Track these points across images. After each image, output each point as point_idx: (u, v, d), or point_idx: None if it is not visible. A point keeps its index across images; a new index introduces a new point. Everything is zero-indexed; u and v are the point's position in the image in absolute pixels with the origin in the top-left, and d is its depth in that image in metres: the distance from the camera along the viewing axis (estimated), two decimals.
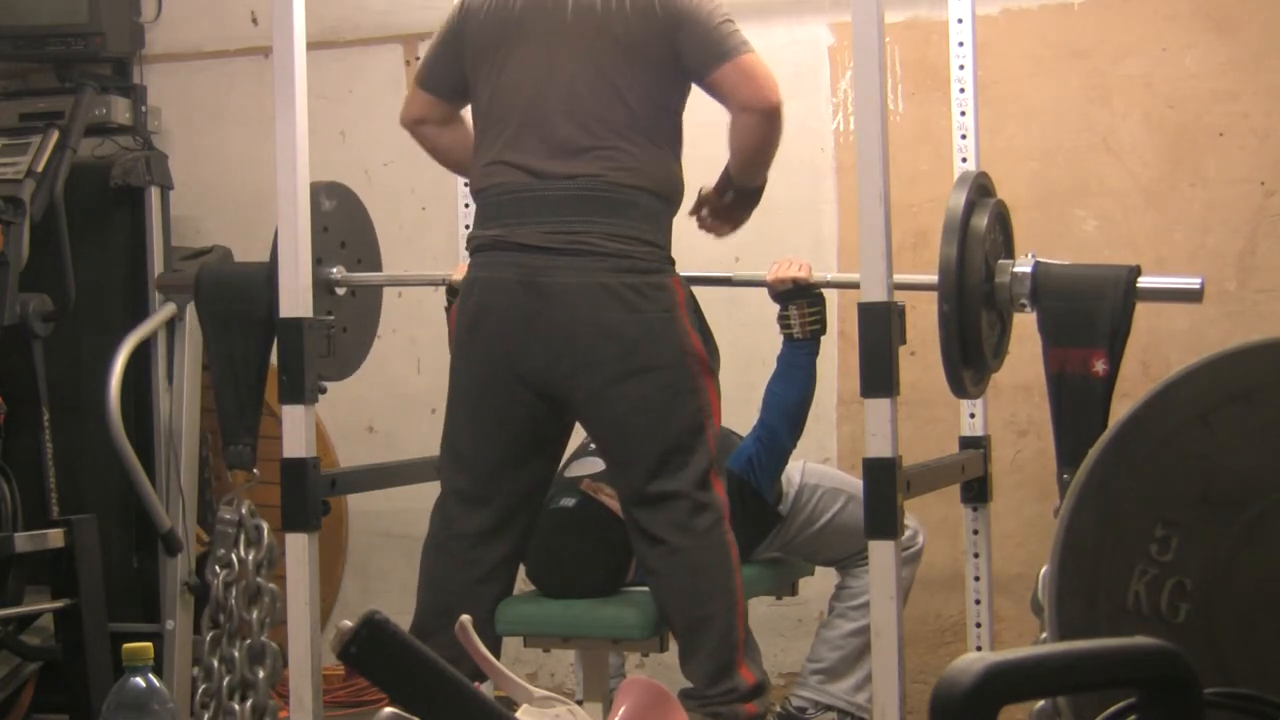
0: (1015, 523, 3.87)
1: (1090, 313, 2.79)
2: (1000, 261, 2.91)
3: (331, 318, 3.29)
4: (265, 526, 3.31)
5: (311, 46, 3.11)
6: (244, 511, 3.29)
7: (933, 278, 2.84)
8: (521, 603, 3.09)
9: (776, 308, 3.18)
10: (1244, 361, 1.79)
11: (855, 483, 3.17)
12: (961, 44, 3.44)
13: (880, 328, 2.69)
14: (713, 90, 2.92)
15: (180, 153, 4.54)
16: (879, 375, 2.70)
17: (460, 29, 3.05)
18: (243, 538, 3.29)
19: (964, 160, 3.42)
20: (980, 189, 2.95)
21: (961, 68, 3.44)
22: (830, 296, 4.03)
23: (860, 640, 3.30)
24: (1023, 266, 2.88)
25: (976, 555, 3.45)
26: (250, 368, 3.23)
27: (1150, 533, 1.75)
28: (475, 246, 3.00)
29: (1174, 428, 1.78)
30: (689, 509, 2.89)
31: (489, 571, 3.01)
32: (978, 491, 3.46)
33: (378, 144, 4.55)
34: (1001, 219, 2.97)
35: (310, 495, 3.04)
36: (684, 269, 3.05)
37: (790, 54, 4.16)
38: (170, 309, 4.16)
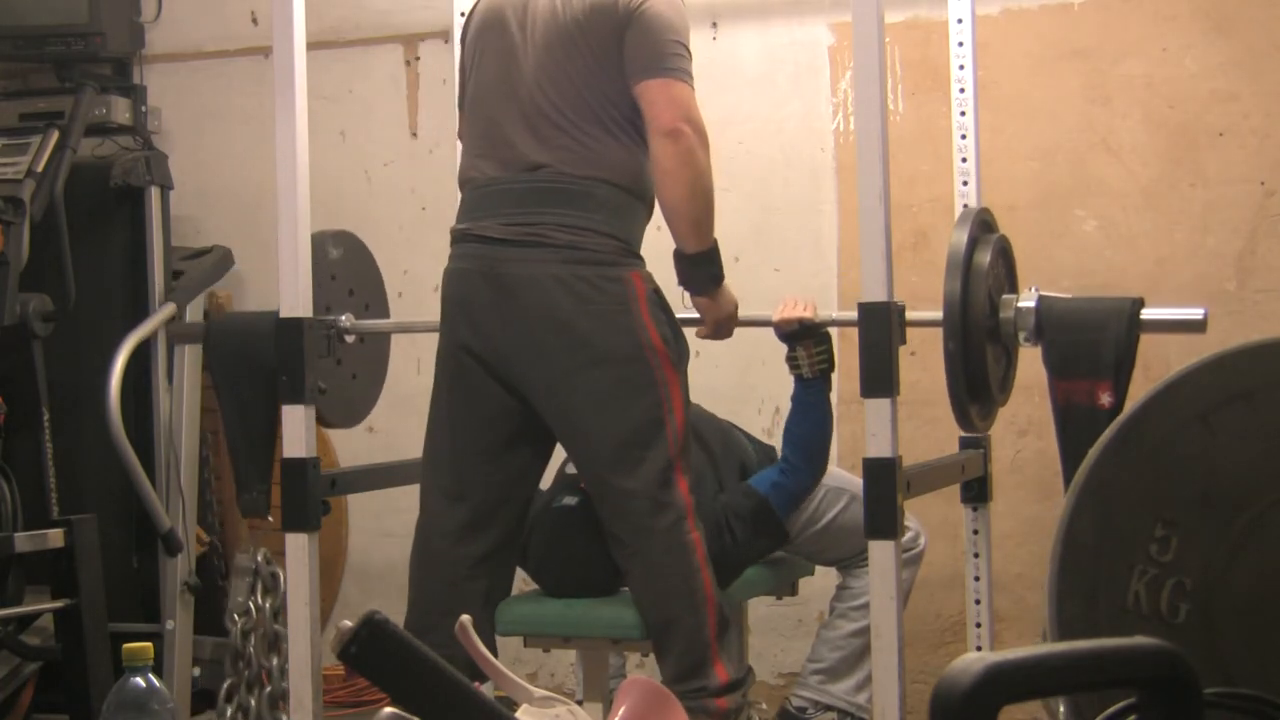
0: (1015, 523, 3.87)
1: (1094, 345, 2.80)
2: (1004, 297, 2.92)
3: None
4: (281, 574, 3.31)
5: (311, 46, 3.11)
6: (260, 559, 3.30)
7: (938, 314, 2.86)
8: (521, 603, 3.09)
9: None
10: (1244, 361, 1.80)
11: (858, 482, 3.17)
12: (961, 44, 3.44)
13: (880, 328, 2.69)
14: (638, 102, 2.91)
15: (180, 153, 4.54)
16: (879, 375, 2.70)
17: (461, 45, 3.15)
18: (260, 585, 3.30)
19: (964, 160, 3.42)
20: (982, 225, 2.97)
21: (961, 68, 3.44)
22: (830, 296, 4.04)
23: (861, 641, 3.30)
24: (1026, 301, 2.89)
25: (976, 555, 3.45)
26: (260, 416, 3.23)
27: (1150, 533, 1.75)
28: (451, 240, 3.07)
29: (1174, 428, 1.78)
30: (648, 509, 2.89)
31: (472, 568, 3.01)
32: (978, 491, 3.46)
33: (378, 144, 4.56)
34: (1004, 254, 2.99)
35: (310, 495, 3.04)
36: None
37: (790, 54, 4.16)
38: (170, 309, 4.16)
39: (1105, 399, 2.76)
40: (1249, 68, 3.80)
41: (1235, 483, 1.74)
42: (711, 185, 2.94)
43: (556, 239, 2.91)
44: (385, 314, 3.59)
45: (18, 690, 3.93)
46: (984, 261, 2.85)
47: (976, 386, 2.86)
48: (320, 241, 3.18)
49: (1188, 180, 3.84)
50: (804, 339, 3.13)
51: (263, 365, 3.17)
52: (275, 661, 3.27)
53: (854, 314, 2.76)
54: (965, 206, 3.38)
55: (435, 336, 3.10)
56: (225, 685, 3.30)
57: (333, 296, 3.32)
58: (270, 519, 3.26)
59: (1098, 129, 3.90)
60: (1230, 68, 3.81)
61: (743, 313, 3.16)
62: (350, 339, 3.37)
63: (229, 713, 3.28)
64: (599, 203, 2.93)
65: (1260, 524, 1.73)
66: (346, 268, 3.40)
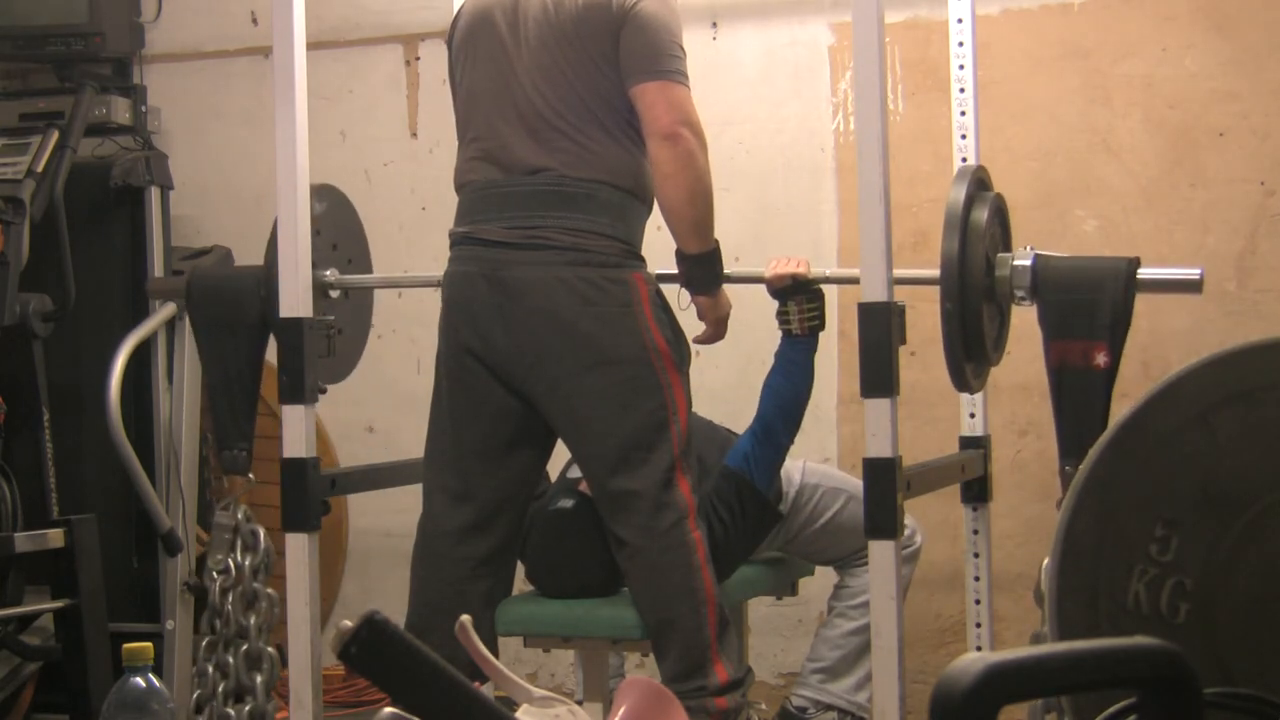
0: (1015, 523, 3.87)
1: (1090, 305, 2.78)
2: (1000, 255, 2.90)
3: (331, 318, 3.29)
4: (261, 531, 3.31)
5: (311, 46, 3.11)
6: (240, 516, 3.30)
7: (933, 272, 2.84)
8: (521, 603, 3.09)
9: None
10: (1244, 361, 1.79)
11: (855, 482, 3.17)
12: (961, 44, 3.44)
13: (880, 327, 2.69)
14: (635, 104, 2.91)
15: (180, 153, 4.54)
16: (879, 375, 2.70)
17: (449, 49, 3.14)
18: (239, 543, 3.30)
19: (964, 160, 3.42)
20: (979, 183, 2.95)
21: (961, 68, 3.44)
22: (830, 296, 4.03)
23: (860, 640, 3.30)
24: (1022, 260, 2.87)
25: (976, 555, 3.45)
26: (243, 373, 3.23)
27: (1150, 533, 1.75)
28: (451, 243, 3.07)
29: (1174, 427, 1.78)
30: (650, 509, 2.89)
31: (474, 569, 3.01)
32: (978, 491, 3.46)
33: (378, 144, 4.56)
34: (1000, 213, 2.97)
35: (310, 495, 3.04)
36: None
37: (790, 54, 4.16)
38: (170, 309, 4.16)
39: (1100, 359, 2.75)
40: (1249, 68, 3.80)
41: (1235, 483, 1.74)
42: (711, 187, 2.94)
43: (560, 241, 2.91)
44: (368, 268, 3.57)
45: (18, 690, 3.93)
46: (981, 219, 2.83)
47: (972, 345, 2.84)
48: None
49: (1188, 180, 3.84)
50: (795, 294, 3.12)
51: (245, 320, 3.17)
52: (253, 620, 3.27)
53: (852, 270, 2.76)
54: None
55: (433, 337, 3.10)
56: (204, 643, 3.31)
57: (317, 251, 3.26)
58: (251, 476, 3.26)
59: (1098, 129, 3.90)
60: (1230, 68, 3.81)
61: (740, 304, 3.16)
62: (335, 294, 3.35)
63: (210, 671, 3.29)
64: (601, 205, 2.93)
65: (1260, 524, 1.73)
66: (329, 222, 3.37)
